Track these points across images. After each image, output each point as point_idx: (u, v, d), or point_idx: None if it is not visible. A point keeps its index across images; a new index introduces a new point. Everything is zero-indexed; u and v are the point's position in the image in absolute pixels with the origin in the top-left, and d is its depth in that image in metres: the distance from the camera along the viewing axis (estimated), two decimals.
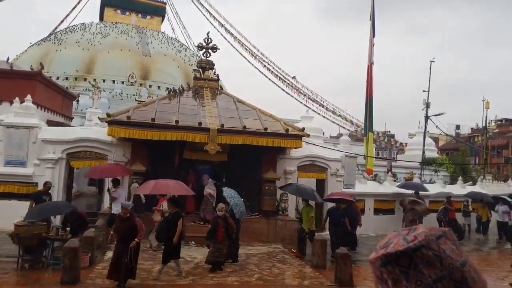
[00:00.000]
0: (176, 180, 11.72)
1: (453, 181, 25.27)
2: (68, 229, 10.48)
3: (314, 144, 17.26)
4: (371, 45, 20.94)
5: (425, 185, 21.33)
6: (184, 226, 9.63)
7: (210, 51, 18.43)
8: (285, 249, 13.41)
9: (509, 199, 18.12)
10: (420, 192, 17.61)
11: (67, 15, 61.37)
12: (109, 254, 11.08)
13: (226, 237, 10.09)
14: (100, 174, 13.50)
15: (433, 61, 26.96)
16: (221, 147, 14.32)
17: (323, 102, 50.37)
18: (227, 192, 11.58)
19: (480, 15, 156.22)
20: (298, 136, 15.31)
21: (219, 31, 57.00)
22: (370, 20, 21.18)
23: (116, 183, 12.89)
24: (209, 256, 10.19)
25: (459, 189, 21.33)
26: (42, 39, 51.22)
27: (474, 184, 23.35)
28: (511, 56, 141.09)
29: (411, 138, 39.37)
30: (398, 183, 19.42)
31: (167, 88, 40.92)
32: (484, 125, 38.41)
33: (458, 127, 61.22)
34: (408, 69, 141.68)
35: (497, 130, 53.25)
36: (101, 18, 60.99)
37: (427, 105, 26.62)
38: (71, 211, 10.53)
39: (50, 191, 12.15)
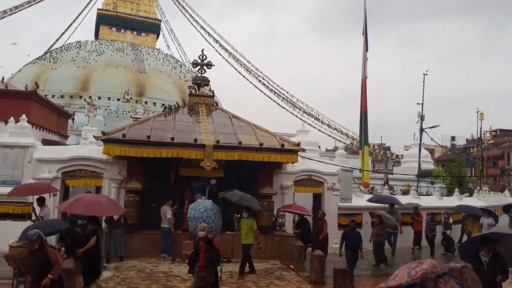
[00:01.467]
0: (109, 197, 11.33)
1: (450, 192, 25.30)
2: (63, 248, 10.38)
3: (310, 159, 17.29)
4: (365, 59, 21.17)
5: (422, 197, 21.39)
6: (98, 244, 9.15)
7: (205, 67, 18.57)
8: (283, 265, 13.32)
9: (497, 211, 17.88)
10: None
11: (62, 33, 61.74)
12: (105, 274, 11.01)
13: (210, 263, 8.56)
14: (24, 193, 12.34)
15: (426, 74, 27.25)
16: (217, 163, 14.33)
17: (319, 115, 50.68)
18: (195, 205, 10.86)
19: (473, 28, 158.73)
20: (294, 151, 15.36)
21: (214, 47, 57.51)
22: (363, 35, 21.47)
23: (41, 202, 12.14)
24: (192, 286, 8.88)
25: (456, 200, 21.35)
26: (38, 57, 51.38)
27: (471, 195, 23.39)
28: (504, 68, 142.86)
29: (407, 150, 39.52)
30: (371, 196, 18.78)
31: (163, 105, 40.97)
32: (479, 136, 38.67)
33: (453, 138, 61.57)
34: (403, 81, 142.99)
35: (492, 141, 53.58)
36: (97, 36, 61.39)
37: (422, 118, 26.81)
38: (66, 229, 10.42)
39: None
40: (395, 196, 19.16)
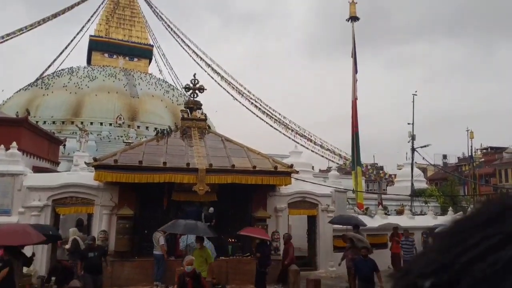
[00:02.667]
0: (27, 225, 10.41)
1: (444, 211, 25.27)
2: (53, 278, 10.15)
3: (304, 180, 17.24)
4: (354, 81, 21.41)
5: (416, 217, 21.33)
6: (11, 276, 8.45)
7: (197, 91, 18.67)
8: None
9: None
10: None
11: (54, 60, 62.02)
12: None
13: None
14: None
15: (415, 94, 27.57)
16: (210, 187, 14.22)
17: (311, 136, 50.92)
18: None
19: (460, 48, 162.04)
20: (287, 173, 15.33)
21: (205, 71, 58.06)
22: (352, 57, 21.77)
23: None
24: None
25: (450, 219, 21.29)
26: (29, 84, 51.43)
27: (465, 213, 23.31)
28: (492, 87, 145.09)
29: (400, 169, 39.58)
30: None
31: (155, 129, 41.03)
32: (470, 154, 38.93)
33: (445, 157, 61.96)
34: (393, 101, 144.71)
35: (483, 159, 53.91)
36: (89, 62, 61.74)
37: (413, 138, 26.98)
38: (54, 266, 10.17)
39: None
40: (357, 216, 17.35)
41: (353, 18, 22.42)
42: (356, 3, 22.48)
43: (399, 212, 22.41)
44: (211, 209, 14.70)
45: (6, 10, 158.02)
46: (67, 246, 12.89)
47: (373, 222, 18.46)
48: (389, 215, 21.71)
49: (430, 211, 23.24)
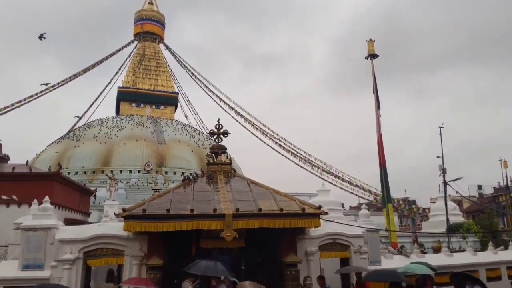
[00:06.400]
0: None
1: (483, 246, 24.08)
2: None
3: (333, 221, 16.87)
4: (378, 117, 21.28)
5: (454, 254, 20.35)
6: None
7: (221, 136, 18.91)
8: None
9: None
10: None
11: (85, 112, 64.62)
12: None
13: None
14: None
15: (442, 127, 27.08)
16: (238, 233, 14.06)
17: (338, 173, 50.33)
18: None
19: (487, 75, 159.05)
20: (315, 214, 15.01)
21: (229, 114, 59.09)
22: (373, 93, 21.76)
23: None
24: None
25: (491, 255, 20.26)
26: (61, 136, 53.51)
27: (506, 248, 22.17)
28: None
29: (434, 202, 38.32)
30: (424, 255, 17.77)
31: (183, 173, 41.56)
32: (505, 184, 37.46)
33: (480, 187, 59.78)
34: (420, 132, 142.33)
35: None
36: (117, 112, 63.99)
37: (444, 171, 26.23)
38: None
39: None
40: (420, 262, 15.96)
41: (372, 56, 22.59)
42: (374, 41, 22.73)
43: (436, 250, 21.50)
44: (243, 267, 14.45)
45: (41, 67, 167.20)
46: None
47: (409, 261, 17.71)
48: (425, 253, 20.87)
49: (469, 247, 22.20)
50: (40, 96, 54.38)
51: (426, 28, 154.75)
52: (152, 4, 72.61)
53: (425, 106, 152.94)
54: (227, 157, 19.97)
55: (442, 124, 27.41)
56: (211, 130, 19.39)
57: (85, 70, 61.77)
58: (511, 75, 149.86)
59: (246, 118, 57.43)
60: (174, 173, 48.16)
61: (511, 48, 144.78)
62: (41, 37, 47.78)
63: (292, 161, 52.67)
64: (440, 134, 26.89)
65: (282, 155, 53.37)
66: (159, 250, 14.13)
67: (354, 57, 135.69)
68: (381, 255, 17.58)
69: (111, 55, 65.91)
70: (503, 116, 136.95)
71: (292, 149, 53.25)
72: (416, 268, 14.69)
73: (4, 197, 19.73)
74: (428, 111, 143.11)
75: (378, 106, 21.47)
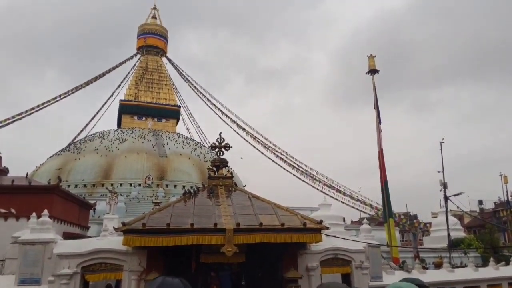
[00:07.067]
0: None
1: (485, 262, 23.84)
2: None
3: (335, 236, 16.72)
4: (379, 132, 21.28)
5: (456, 269, 20.11)
6: None
7: (223, 149, 18.86)
8: None
9: None
10: None
11: (86, 124, 64.71)
12: None
13: None
14: None
15: (443, 142, 27.03)
16: (238, 248, 13.92)
17: (340, 187, 50.13)
18: None
19: (488, 90, 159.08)
20: (316, 229, 14.88)
21: (231, 127, 59.18)
22: (374, 108, 21.79)
23: None
24: None
25: (493, 271, 20.03)
26: (62, 149, 53.45)
27: (507, 264, 21.95)
28: None
29: (435, 217, 38.10)
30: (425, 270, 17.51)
31: (183, 187, 41.39)
32: (506, 199, 37.26)
33: (481, 202, 59.47)
34: (422, 145, 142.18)
35: None
36: (119, 124, 64.05)
37: (445, 186, 26.11)
38: None
39: None
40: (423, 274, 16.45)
41: (373, 71, 22.70)
42: (375, 56, 22.85)
43: (437, 265, 21.25)
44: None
45: (44, 80, 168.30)
46: None
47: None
48: (427, 268, 20.64)
49: (470, 263, 21.97)
50: (42, 108, 54.58)
51: (427, 42, 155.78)
52: (156, 18, 73.31)
53: (426, 120, 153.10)
54: (228, 171, 19.92)
55: (443, 139, 27.39)
56: (213, 143, 19.37)
57: (87, 83, 62.07)
58: (511, 90, 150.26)
59: (248, 132, 57.51)
60: (175, 186, 47.97)
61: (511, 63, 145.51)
62: None
63: (294, 175, 52.56)
64: (441, 149, 26.84)
65: (284, 168, 53.29)
66: (159, 265, 13.98)
67: (355, 71, 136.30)
68: (383, 270, 17.39)
69: (113, 68, 66.31)
70: (505, 131, 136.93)
71: (294, 162, 53.20)
72: (405, 287, 14.51)
73: (2, 210, 19.63)
74: (429, 125, 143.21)
75: (379, 121, 21.47)
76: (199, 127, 70.55)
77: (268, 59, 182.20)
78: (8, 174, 24.34)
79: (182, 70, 70.41)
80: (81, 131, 63.52)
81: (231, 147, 19.50)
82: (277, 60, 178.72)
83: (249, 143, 56.98)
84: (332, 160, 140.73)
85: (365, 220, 19.83)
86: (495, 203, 57.79)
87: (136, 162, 48.06)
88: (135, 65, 69.33)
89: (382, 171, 20.93)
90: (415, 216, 53.94)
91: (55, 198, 18.85)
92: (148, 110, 62.97)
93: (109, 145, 50.32)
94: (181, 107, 68.97)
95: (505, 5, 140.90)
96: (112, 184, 42.29)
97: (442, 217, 30.15)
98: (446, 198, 25.58)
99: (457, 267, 21.59)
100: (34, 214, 15.25)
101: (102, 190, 42.05)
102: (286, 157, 53.99)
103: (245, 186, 46.70)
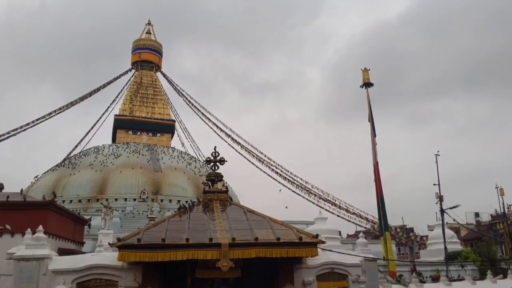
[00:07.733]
0: None
1: (482, 275, 23.81)
2: None
3: (331, 250, 16.69)
4: (374, 145, 21.39)
5: (453, 283, 20.09)
6: None
7: (218, 163, 18.88)
8: None
9: None
10: None
11: (81, 140, 64.59)
12: None
13: None
14: None
15: (438, 155, 27.21)
16: (234, 262, 13.86)
17: (335, 200, 50.10)
18: None
19: (483, 103, 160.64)
20: (312, 243, 14.86)
21: (226, 141, 59.26)
22: (369, 121, 21.94)
23: None
24: None
25: (490, 284, 20.02)
26: (57, 164, 53.22)
27: (505, 276, 21.94)
28: None
29: (431, 230, 38.08)
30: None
31: (178, 201, 41.23)
32: (502, 211, 37.38)
33: (477, 215, 59.57)
34: (418, 158, 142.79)
35: None
36: (114, 140, 63.97)
37: (440, 199, 26.18)
38: None
39: None
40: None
41: (367, 84, 22.88)
42: (369, 70, 23.06)
43: (435, 278, 21.22)
44: None
45: (39, 95, 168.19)
46: None
47: None
48: (424, 282, 20.58)
49: (467, 276, 21.94)
50: (36, 124, 54.50)
51: (421, 56, 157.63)
52: (150, 33, 73.86)
53: (423, 132, 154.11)
54: (223, 185, 19.88)
55: (438, 151, 27.58)
56: (208, 157, 19.38)
57: (82, 98, 62.17)
58: (508, 103, 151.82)
59: (243, 146, 57.62)
60: (170, 201, 47.76)
61: (506, 76, 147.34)
62: None
63: (289, 188, 52.53)
64: (436, 162, 27.01)
65: (279, 182, 53.25)
66: (154, 280, 13.87)
67: (350, 84, 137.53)
68: (380, 284, 17.33)
69: (108, 83, 66.53)
70: (500, 143, 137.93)
71: (289, 176, 53.20)
72: None
73: None
74: (425, 138, 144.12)
75: (374, 134, 21.60)
76: (194, 141, 70.64)
77: (263, 73, 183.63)
78: (3, 190, 24.20)
79: (177, 85, 70.79)
80: (76, 146, 63.46)
81: (226, 161, 19.53)
82: (272, 74, 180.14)
83: (244, 156, 57.05)
84: (327, 174, 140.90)
85: (361, 234, 19.82)
86: (491, 215, 57.93)
87: (131, 177, 47.89)
88: (129, 80, 69.61)
89: (378, 184, 20.97)
90: (412, 229, 53.94)
91: (50, 214, 18.73)
92: (142, 124, 63.01)
93: (104, 160, 50.18)
94: (176, 122, 69.13)
95: (499, 18, 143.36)
96: (107, 199, 42.11)
97: (439, 230, 30.17)
98: (442, 211, 25.63)
99: (455, 280, 21.56)
100: (29, 230, 15.13)
101: (97, 205, 41.81)
102: (281, 171, 54.05)
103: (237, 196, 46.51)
